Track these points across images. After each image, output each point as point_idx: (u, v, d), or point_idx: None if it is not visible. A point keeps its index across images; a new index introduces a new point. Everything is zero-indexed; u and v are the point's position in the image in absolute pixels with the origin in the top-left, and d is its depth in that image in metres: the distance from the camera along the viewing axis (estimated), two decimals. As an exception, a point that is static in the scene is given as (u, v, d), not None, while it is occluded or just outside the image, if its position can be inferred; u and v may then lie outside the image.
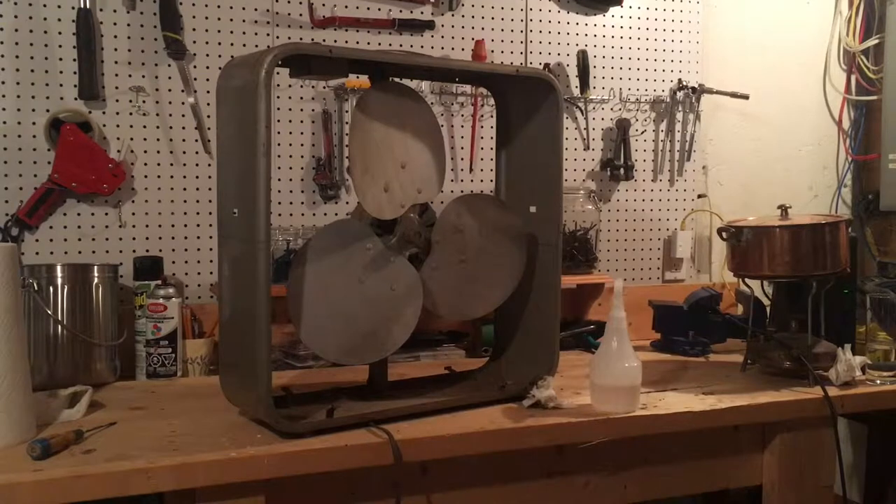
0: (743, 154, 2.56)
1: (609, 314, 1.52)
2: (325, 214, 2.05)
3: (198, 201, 1.95)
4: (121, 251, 1.88)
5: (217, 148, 1.42)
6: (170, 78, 1.91)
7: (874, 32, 2.59)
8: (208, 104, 1.92)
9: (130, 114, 1.89)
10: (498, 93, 1.73)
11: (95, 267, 1.71)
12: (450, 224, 1.55)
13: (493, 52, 2.21)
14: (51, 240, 1.83)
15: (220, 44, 1.96)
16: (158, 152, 1.92)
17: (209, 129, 1.92)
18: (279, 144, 2.01)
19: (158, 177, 1.92)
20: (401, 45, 2.10)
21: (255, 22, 1.99)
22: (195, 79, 1.93)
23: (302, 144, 2.04)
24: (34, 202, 1.80)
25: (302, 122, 2.04)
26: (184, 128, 1.93)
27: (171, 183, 1.93)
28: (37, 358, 1.60)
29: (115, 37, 1.87)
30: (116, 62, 1.87)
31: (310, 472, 1.27)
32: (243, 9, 1.97)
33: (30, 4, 1.80)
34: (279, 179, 2.01)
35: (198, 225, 1.95)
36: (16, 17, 1.80)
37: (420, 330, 1.54)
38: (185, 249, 1.95)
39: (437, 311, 1.55)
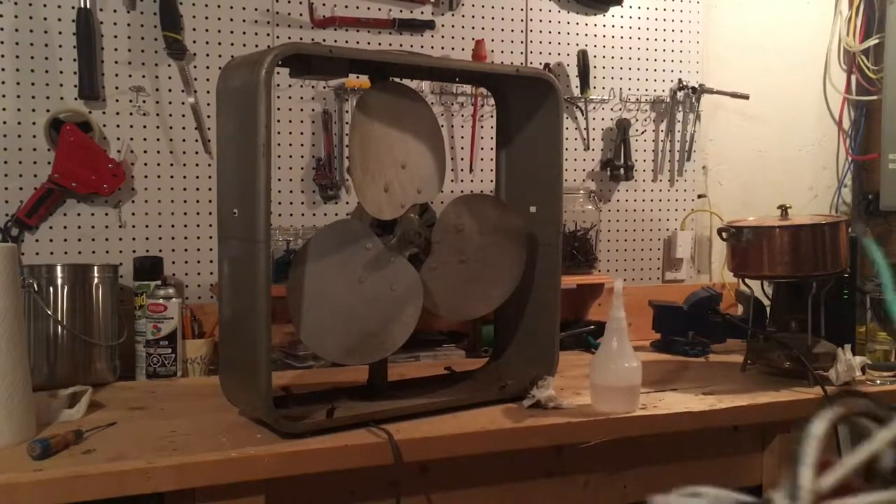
0: (743, 154, 2.56)
1: (609, 314, 1.52)
2: (325, 214, 2.05)
3: (198, 201, 1.95)
4: (121, 251, 1.88)
5: (217, 148, 1.42)
6: (170, 78, 1.91)
7: (874, 32, 2.59)
8: (208, 104, 1.92)
9: (130, 114, 1.89)
10: (498, 93, 1.73)
11: (95, 267, 1.71)
12: (450, 224, 1.55)
13: (493, 52, 2.21)
14: (51, 240, 1.83)
15: (220, 44, 1.96)
16: (158, 152, 1.92)
17: (209, 129, 1.92)
18: (279, 144, 2.01)
19: (158, 177, 1.92)
20: (401, 45, 2.10)
21: (255, 22, 1.99)
22: (195, 79, 1.93)
23: (302, 144, 2.04)
24: (34, 202, 1.80)
25: (302, 122, 2.04)
26: (184, 128, 1.93)
27: (171, 183, 1.93)
28: (37, 358, 1.59)
29: (115, 37, 1.87)
30: (116, 62, 1.87)
31: (310, 472, 1.27)
32: (243, 9, 1.97)
33: (30, 4, 1.80)
34: (279, 179, 2.01)
35: (198, 225, 1.95)
36: (16, 17, 1.80)
37: (420, 330, 1.54)
38: (185, 249, 1.95)
39: (437, 311, 1.55)
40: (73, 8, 1.82)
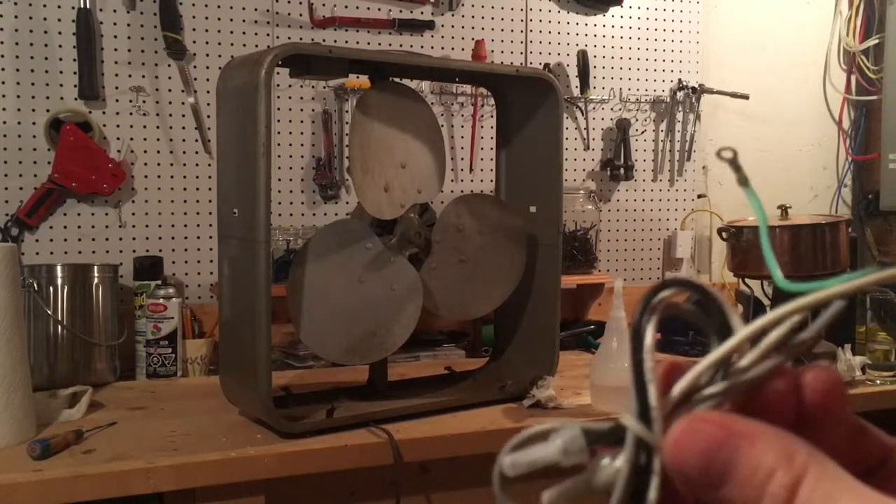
0: (743, 154, 2.50)
1: (609, 314, 1.52)
2: (325, 214, 2.05)
3: (198, 201, 1.95)
4: (121, 251, 1.89)
5: (217, 148, 1.42)
6: (170, 78, 1.91)
7: (874, 32, 2.59)
8: (208, 104, 1.93)
9: (130, 114, 1.89)
10: (498, 93, 1.73)
11: (95, 267, 1.71)
12: (450, 224, 1.55)
13: (493, 52, 2.21)
14: (51, 240, 1.83)
15: (220, 44, 1.96)
16: (158, 152, 1.92)
17: (209, 129, 1.93)
18: (279, 144, 2.01)
19: (158, 177, 1.92)
20: (401, 45, 2.10)
21: (255, 22, 1.99)
22: (195, 79, 1.93)
23: (302, 144, 2.04)
24: (34, 202, 1.80)
25: (302, 122, 2.04)
26: (184, 128, 1.93)
27: (171, 183, 1.93)
28: (37, 358, 1.59)
29: (115, 37, 1.87)
30: (116, 62, 1.87)
31: (310, 472, 1.27)
32: (243, 9, 1.97)
33: (30, 4, 1.80)
34: (279, 179, 2.01)
35: (198, 225, 1.95)
36: (16, 17, 1.80)
37: (420, 330, 1.54)
38: (185, 249, 1.95)
39: (437, 311, 1.55)
40: (73, 8, 1.82)
